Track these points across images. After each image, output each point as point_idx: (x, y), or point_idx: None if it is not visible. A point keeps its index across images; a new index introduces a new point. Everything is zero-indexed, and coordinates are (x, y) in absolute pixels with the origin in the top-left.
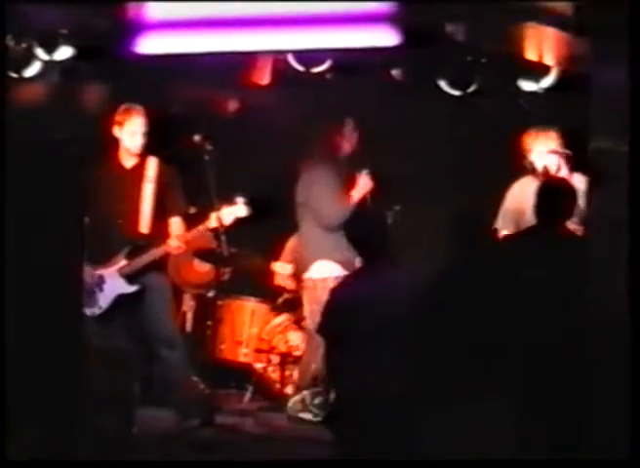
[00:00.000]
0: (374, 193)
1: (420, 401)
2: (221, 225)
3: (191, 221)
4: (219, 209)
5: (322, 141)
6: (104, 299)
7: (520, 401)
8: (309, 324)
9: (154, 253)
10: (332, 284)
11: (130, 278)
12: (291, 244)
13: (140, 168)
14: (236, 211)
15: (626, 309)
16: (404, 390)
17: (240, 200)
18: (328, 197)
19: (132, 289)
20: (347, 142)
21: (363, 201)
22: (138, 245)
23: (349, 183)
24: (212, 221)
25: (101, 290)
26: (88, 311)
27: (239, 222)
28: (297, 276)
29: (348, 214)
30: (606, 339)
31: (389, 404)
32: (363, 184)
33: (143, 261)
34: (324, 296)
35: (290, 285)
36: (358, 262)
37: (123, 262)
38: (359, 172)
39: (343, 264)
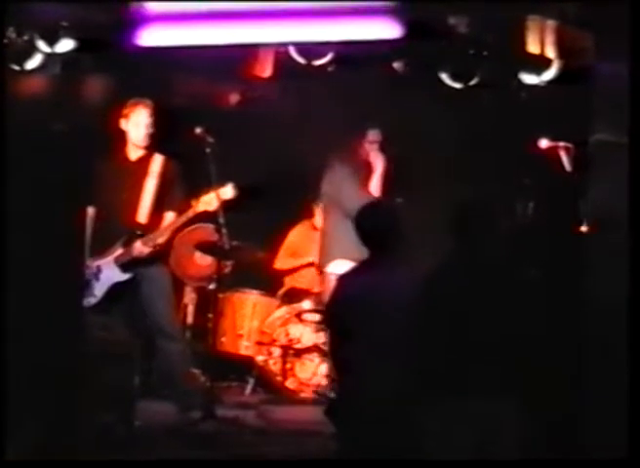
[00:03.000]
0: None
1: (422, 398)
2: (208, 209)
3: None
4: (205, 193)
5: (350, 145)
6: (100, 288)
7: (519, 400)
8: None
9: (139, 246)
10: None
11: (124, 266)
12: (292, 237)
13: (144, 161)
14: (222, 193)
15: (626, 308)
16: (407, 387)
17: (229, 184)
18: (356, 193)
19: (125, 276)
20: (369, 150)
21: (384, 181)
22: (134, 234)
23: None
24: (199, 205)
25: (98, 279)
26: (84, 301)
27: (226, 206)
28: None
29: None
30: (605, 339)
31: (392, 400)
32: (379, 166)
33: (131, 254)
34: None
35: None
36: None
37: (119, 251)
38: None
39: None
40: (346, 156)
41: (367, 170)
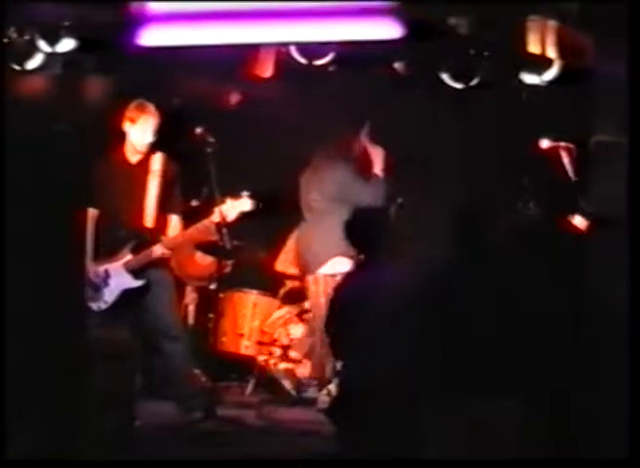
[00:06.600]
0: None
1: (423, 398)
2: (226, 220)
3: (192, 215)
4: (223, 203)
5: (340, 142)
6: (110, 294)
7: (520, 400)
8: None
9: (159, 249)
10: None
11: (135, 272)
12: (291, 242)
13: (145, 162)
14: (241, 205)
15: (626, 308)
16: (406, 386)
17: (245, 194)
18: (364, 184)
19: (137, 283)
20: (361, 145)
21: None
22: (143, 239)
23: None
24: (216, 216)
25: (107, 284)
26: (94, 305)
27: (243, 217)
28: (307, 272)
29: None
30: (605, 339)
31: (392, 400)
32: (377, 156)
33: (149, 257)
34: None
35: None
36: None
37: (128, 257)
38: (363, 143)
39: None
40: (344, 154)
41: (367, 163)
